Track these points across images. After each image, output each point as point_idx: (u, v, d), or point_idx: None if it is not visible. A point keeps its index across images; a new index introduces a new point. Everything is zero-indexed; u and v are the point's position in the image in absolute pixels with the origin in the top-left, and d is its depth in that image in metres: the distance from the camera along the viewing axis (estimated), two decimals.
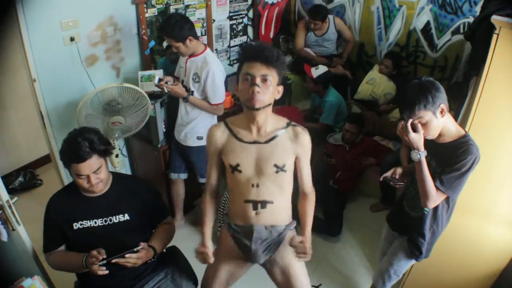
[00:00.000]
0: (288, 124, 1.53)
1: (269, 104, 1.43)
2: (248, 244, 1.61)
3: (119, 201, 1.68)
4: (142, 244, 1.58)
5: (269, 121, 1.49)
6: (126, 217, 1.67)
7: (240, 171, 1.52)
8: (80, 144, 1.50)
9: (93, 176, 1.55)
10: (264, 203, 1.54)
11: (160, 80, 2.31)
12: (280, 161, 1.50)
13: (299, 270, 1.70)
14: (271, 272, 1.74)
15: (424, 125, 1.49)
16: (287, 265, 1.67)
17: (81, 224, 1.63)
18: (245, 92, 1.39)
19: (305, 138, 1.52)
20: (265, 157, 1.50)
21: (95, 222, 1.64)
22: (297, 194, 1.66)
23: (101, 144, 1.56)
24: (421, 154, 1.50)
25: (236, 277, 1.77)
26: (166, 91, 2.35)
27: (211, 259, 1.57)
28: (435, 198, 1.53)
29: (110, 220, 1.65)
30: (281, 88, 1.46)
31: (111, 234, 1.63)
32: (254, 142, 1.50)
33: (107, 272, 1.49)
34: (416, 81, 1.49)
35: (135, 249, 1.55)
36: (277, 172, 1.50)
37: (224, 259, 1.70)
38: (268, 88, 1.38)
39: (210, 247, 1.59)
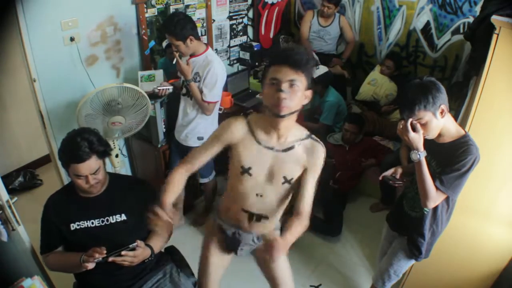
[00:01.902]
0: (308, 136, 1.46)
1: (295, 111, 1.35)
2: (233, 248, 1.65)
3: (116, 202, 1.68)
4: (138, 242, 1.57)
5: (291, 129, 1.42)
6: (123, 217, 1.67)
7: (250, 175, 1.46)
8: (80, 144, 1.50)
9: (91, 177, 1.56)
10: (259, 218, 1.55)
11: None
12: (289, 174, 1.46)
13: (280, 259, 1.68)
14: (256, 259, 1.77)
15: (424, 125, 1.49)
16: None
17: (78, 225, 1.63)
18: (270, 98, 1.30)
19: (321, 154, 1.45)
20: (278, 167, 1.45)
21: (92, 223, 1.64)
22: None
23: (100, 145, 1.57)
24: (420, 154, 1.50)
25: (225, 267, 1.79)
26: (174, 62, 2.34)
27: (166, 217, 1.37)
28: (434, 198, 1.53)
29: (107, 220, 1.65)
30: (309, 93, 1.36)
31: (108, 234, 1.63)
32: (272, 149, 1.43)
33: (93, 265, 1.49)
34: (417, 81, 1.49)
35: (130, 246, 1.55)
36: (283, 183, 1.48)
37: (216, 253, 1.71)
38: (296, 93, 1.29)
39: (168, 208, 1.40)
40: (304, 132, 1.48)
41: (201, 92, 2.37)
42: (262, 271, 1.77)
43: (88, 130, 1.62)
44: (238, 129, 1.44)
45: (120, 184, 1.74)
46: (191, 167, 1.51)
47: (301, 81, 1.29)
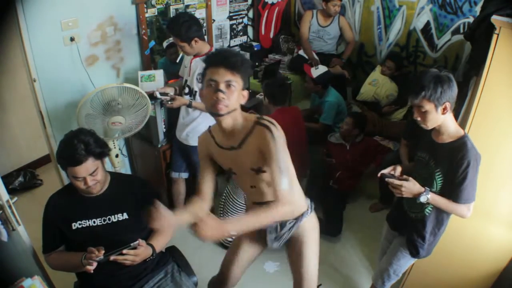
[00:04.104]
0: (255, 123, 1.45)
1: (234, 109, 1.41)
2: (262, 235, 1.71)
3: (118, 201, 1.68)
4: (140, 241, 1.58)
5: (238, 124, 1.47)
6: (125, 216, 1.68)
7: (235, 173, 1.57)
8: (76, 146, 1.51)
9: (90, 178, 1.56)
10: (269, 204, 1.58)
11: (163, 94, 2.41)
12: (254, 164, 1.49)
13: (310, 251, 1.78)
14: (287, 250, 1.80)
15: (423, 113, 1.52)
16: (300, 245, 1.74)
17: (79, 224, 1.63)
18: (209, 98, 1.37)
19: (266, 135, 1.40)
20: (242, 162, 1.51)
21: (94, 222, 1.64)
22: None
23: (97, 146, 1.57)
24: (426, 193, 1.55)
25: (252, 260, 1.83)
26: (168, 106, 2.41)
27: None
28: (466, 211, 1.58)
29: (109, 219, 1.66)
30: (246, 93, 1.44)
31: (110, 233, 1.63)
32: (231, 148, 1.50)
33: (94, 266, 1.49)
34: (434, 70, 1.50)
35: (132, 244, 1.55)
36: (257, 173, 1.51)
37: (245, 240, 1.76)
38: (233, 93, 1.37)
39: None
40: (251, 121, 1.46)
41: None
42: (290, 264, 1.81)
43: (85, 131, 1.62)
44: (205, 142, 1.57)
45: (122, 183, 1.75)
46: (204, 196, 1.61)
47: (237, 81, 1.37)
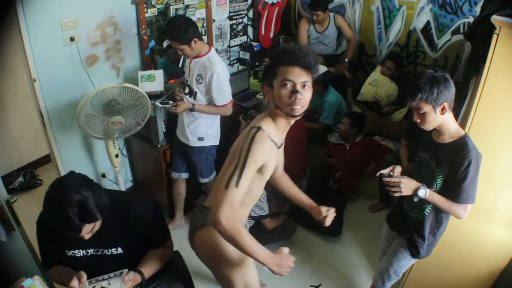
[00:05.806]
0: None
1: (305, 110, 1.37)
2: None
3: (113, 233, 1.54)
4: (126, 278, 1.46)
5: None
6: (119, 250, 1.57)
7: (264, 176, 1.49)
8: (69, 215, 1.25)
9: (87, 235, 1.40)
10: None
11: (164, 102, 2.44)
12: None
13: None
14: None
15: (422, 115, 1.52)
16: None
17: (73, 253, 1.55)
18: (285, 99, 1.31)
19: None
20: (281, 158, 1.57)
21: (88, 252, 1.55)
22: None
23: (95, 206, 1.31)
24: (423, 188, 1.56)
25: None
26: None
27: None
28: (463, 212, 1.58)
29: (102, 251, 1.57)
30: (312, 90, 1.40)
31: (104, 264, 1.53)
32: (280, 146, 1.50)
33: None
34: (429, 72, 1.51)
35: (106, 277, 1.45)
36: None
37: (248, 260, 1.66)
38: (308, 93, 1.32)
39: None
40: None
41: (211, 98, 2.39)
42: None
43: (77, 187, 1.30)
44: (267, 147, 1.36)
45: (118, 210, 1.52)
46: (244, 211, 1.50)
47: (310, 81, 1.33)
